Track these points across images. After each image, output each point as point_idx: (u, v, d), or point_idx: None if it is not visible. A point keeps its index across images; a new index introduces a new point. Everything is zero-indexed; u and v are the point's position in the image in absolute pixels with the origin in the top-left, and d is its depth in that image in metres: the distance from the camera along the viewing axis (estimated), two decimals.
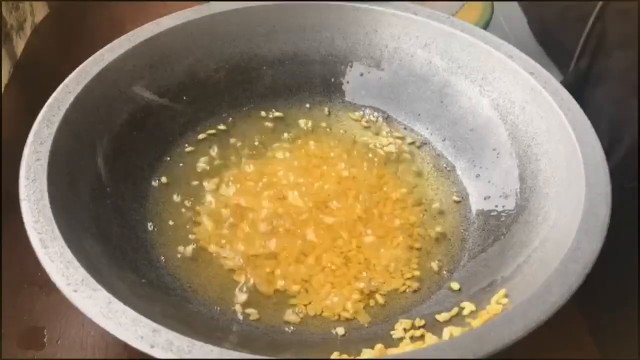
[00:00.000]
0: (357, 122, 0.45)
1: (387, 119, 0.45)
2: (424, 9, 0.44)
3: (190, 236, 0.37)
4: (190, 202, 0.39)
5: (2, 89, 0.48)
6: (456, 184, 0.41)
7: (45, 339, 0.34)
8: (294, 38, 0.45)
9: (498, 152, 0.40)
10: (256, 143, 0.43)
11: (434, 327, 0.31)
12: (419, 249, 0.37)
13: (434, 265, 0.36)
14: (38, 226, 0.29)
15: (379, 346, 0.30)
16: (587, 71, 0.44)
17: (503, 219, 0.37)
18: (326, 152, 0.43)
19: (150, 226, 0.37)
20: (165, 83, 0.42)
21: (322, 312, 0.34)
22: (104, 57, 0.38)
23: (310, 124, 0.45)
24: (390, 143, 0.43)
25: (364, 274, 0.35)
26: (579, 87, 0.43)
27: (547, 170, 0.36)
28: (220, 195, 0.39)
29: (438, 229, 0.38)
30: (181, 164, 0.41)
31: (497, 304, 0.30)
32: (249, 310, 0.33)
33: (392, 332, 0.32)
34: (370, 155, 0.43)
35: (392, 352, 0.30)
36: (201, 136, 0.43)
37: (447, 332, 0.29)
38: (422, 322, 0.32)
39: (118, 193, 0.37)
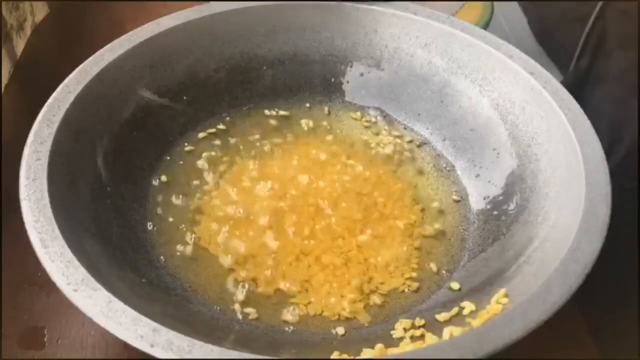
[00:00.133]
0: (357, 122, 0.45)
1: (387, 118, 0.45)
2: (424, 9, 0.44)
3: (190, 236, 0.37)
4: (190, 202, 0.39)
5: (2, 89, 0.48)
6: (456, 184, 0.41)
7: (45, 339, 0.34)
8: (294, 38, 0.45)
9: (498, 152, 0.40)
10: (256, 143, 0.43)
11: (434, 326, 0.31)
12: (418, 249, 0.37)
13: (434, 265, 0.36)
14: (38, 226, 0.29)
15: (379, 346, 0.30)
16: (587, 71, 0.44)
17: (503, 218, 0.37)
18: (326, 151, 0.43)
19: (150, 226, 0.37)
20: (165, 83, 0.42)
21: (322, 311, 0.34)
22: (104, 57, 0.38)
23: (310, 123, 0.45)
24: (390, 143, 0.44)
25: (364, 273, 0.35)
26: (579, 87, 0.43)
27: (547, 170, 0.36)
28: (220, 195, 0.39)
29: (438, 228, 0.38)
30: (181, 162, 0.41)
31: (497, 303, 0.30)
32: (249, 310, 0.33)
33: (392, 332, 0.32)
34: (370, 155, 0.43)
35: (392, 351, 0.29)
36: (201, 135, 0.43)
37: (447, 331, 0.29)
38: (422, 322, 0.32)
39: (118, 193, 0.37)
